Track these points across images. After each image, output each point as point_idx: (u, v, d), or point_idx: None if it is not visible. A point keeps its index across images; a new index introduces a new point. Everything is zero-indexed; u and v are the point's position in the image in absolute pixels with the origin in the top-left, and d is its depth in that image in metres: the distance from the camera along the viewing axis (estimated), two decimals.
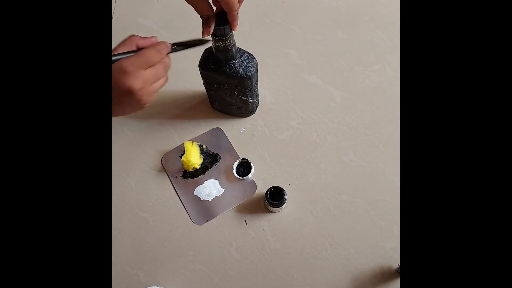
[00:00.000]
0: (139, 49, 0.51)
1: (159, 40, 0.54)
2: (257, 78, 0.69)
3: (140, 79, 0.48)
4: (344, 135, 0.75)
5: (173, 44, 0.54)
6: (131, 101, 0.49)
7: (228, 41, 0.57)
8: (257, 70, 0.66)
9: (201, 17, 0.53)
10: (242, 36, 0.84)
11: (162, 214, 0.72)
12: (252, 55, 0.65)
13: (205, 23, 0.53)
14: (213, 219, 0.71)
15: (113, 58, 0.48)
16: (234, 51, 0.61)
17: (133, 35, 0.53)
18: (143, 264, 0.69)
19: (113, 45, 0.88)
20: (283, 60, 0.82)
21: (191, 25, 0.87)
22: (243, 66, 0.63)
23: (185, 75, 0.80)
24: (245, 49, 0.65)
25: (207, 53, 0.64)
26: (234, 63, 0.62)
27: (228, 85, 0.66)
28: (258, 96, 0.75)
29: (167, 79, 0.54)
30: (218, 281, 0.67)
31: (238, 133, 0.76)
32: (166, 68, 0.52)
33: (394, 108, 0.77)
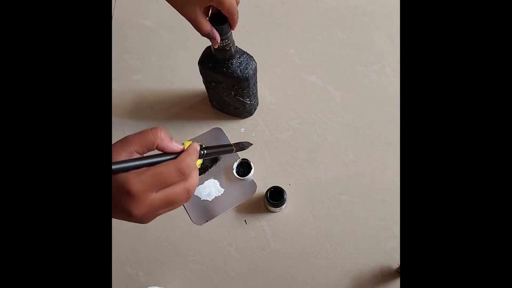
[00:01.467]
0: (157, 156, 0.38)
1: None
2: (255, 80, 0.69)
3: (146, 205, 0.36)
4: (344, 135, 0.75)
5: (203, 148, 0.42)
6: (128, 219, 0.37)
7: (227, 40, 0.57)
8: (255, 72, 0.66)
9: (202, 35, 0.53)
10: (242, 36, 0.84)
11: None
12: (252, 57, 0.65)
13: (209, 38, 0.53)
14: (213, 219, 0.71)
15: (119, 166, 0.35)
16: (232, 51, 0.61)
17: (158, 128, 0.39)
18: (143, 264, 0.69)
19: (113, 44, 0.88)
20: (283, 60, 0.82)
21: (191, 25, 0.87)
22: (241, 67, 0.63)
23: (185, 74, 0.80)
24: (245, 50, 0.64)
25: (207, 50, 0.64)
26: (232, 63, 0.62)
27: (226, 84, 0.66)
28: (257, 98, 0.75)
29: (187, 200, 0.40)
30: (218, 281, 0.67)
31: (238, 133, 0.76)
32: (188, 194, 0.39)
33: (394, 108, 0.77)
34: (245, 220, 0.70)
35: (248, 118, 0.77)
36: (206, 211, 0.71)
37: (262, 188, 0.71)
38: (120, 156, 0.36)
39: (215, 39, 0.53)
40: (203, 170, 0.73)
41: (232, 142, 0.75)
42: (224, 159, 0.74)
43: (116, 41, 0.85)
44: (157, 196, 0.36)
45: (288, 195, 0.69)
